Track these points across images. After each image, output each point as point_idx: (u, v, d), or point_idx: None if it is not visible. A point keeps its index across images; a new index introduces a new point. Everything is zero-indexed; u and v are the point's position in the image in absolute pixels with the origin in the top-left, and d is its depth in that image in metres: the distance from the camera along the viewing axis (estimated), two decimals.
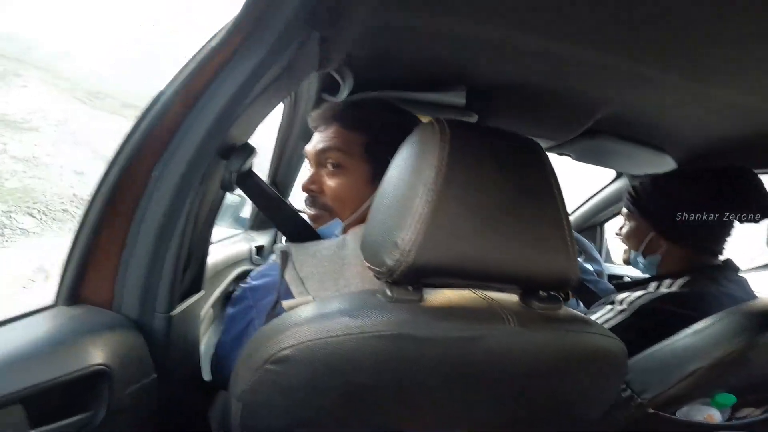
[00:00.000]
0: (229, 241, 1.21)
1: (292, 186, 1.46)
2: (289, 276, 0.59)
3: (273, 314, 0.57)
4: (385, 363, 0.44)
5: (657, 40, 0.61)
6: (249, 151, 0.57)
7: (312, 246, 0.63)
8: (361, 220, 0.70)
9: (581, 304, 1.21)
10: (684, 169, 1.10)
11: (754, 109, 0.78)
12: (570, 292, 1.33)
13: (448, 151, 0.44)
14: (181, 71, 0.51)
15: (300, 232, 0.72)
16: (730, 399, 0.84)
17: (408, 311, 0.45)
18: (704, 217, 0.92)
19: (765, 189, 0.91)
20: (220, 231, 1.30)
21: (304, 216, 0.76)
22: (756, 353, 0.74)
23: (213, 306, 1.05)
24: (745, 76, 0.66)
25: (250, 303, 0.61)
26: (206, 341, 0.98)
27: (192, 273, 0.58)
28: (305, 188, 0.72)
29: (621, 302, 0.94)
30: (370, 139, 0.69)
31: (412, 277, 0.45)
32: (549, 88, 0.86)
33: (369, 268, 0.47)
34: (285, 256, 0.61)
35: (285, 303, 0.53)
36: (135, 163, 0.49)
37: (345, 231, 0.71)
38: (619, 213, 1.66)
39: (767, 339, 0.72)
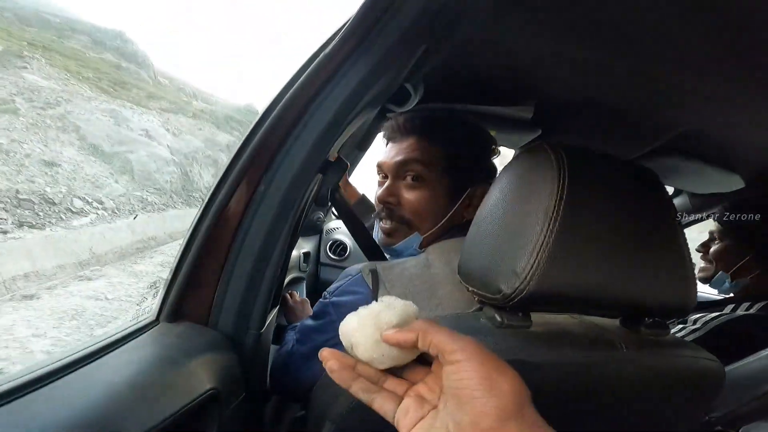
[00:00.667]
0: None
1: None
2: (382, 296, 0.58)
3: None
4: None
5: (744, 63, 0.58)
6: (344, 165, 0.56)
7: (398, 265, 0.62)
8: (439, 234, 0.70)
9: None
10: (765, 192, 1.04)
11: None
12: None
13: (567, 178, 0.43)
14: (290, 82, 0.50)
15: (373, 247, 0.72)
16: None
17: (518, 337, 0.45)
18: None
19: None
20: None
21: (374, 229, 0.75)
22: None
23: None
24: None
25: (334, 318, 0.60)
26: None
27: (276, 289, 0.58)
28: (382, 200, 0.71)
29: (695, 322, 0.92)
30: (451, 153, 0.70)
31: (529, 305, 0.45)
32: (621, 107, 0.83)
33: (474, 293, 0.46)
34: (375, 275, 0.60)
35: None
36: (242, 180, 0.49)
37: (421, 246, 0.70)
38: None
39: None
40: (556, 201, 0.42)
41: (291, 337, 0.67)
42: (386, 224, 0.72)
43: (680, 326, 0.94)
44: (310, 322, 0.64)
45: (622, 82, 0.73)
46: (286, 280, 1.17)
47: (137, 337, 0.44)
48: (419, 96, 0.88)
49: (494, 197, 0.48)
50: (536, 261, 0.41)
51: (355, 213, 0.71)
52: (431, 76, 0.82)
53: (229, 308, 0.50)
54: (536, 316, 0.49)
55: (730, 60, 0.59)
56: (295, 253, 1.26)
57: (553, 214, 0.42)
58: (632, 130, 0.94)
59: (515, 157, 0.49)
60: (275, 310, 0.61)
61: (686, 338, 0.91)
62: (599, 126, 0.95)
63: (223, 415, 0.45)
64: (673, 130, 0.89)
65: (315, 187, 0.55)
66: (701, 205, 1.36)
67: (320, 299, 0.64)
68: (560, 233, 0.42)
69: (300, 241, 1.41)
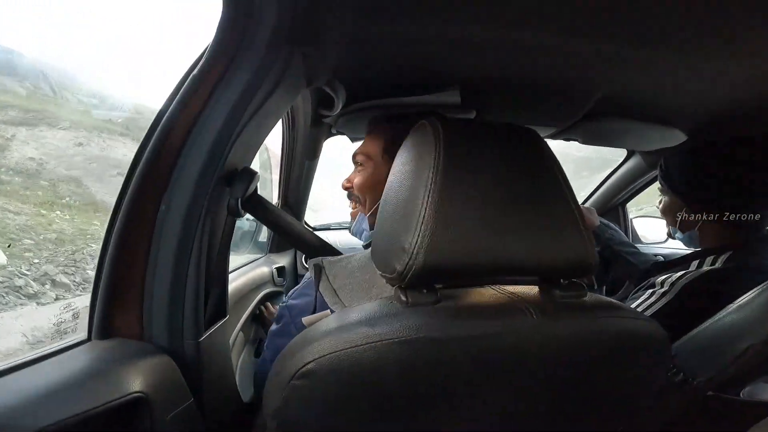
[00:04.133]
0: (250, 266, 1.24)
1: (305, 204, 1.49)
2: (323, 287, 0.61)
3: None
4: (410, 369, 0.44)
5: (645, 22, 0.60)
6: (250, 175, 0.59)
7: (344, 259, 0.65)
8: None
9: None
10: (708, 140, 1.07)
11: (748, 77, 0.77)
12: (594, 279, 1.31)
13: (443, 149, 0.44)
14: (168, 101, 0.53)
15: (316, 248, 0.75)
16: None
17: (425, 314, 0.45)
18: (730, 188, 0.90)
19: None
20: (241, 258, 1.33)
21: (324, 234, 0.79)
22: None
23: (243, 329, 1.08)
24: (734, 46, 0.65)
25: (288, 321, 0.63)
26: (241, 363, 1.01)
27: (214, 300, 0.60)
28: (343, 186, 0.87)
29: (662, 284, 0.91)
30: (388, 140, 0.80)
31: (425, 280, 0.45)
32: (543, 79, 0.86)
33: (381, 275, 0.48)
34: (318, 269, 0.63)
35: (304, 319, 0.54)
36: (143, 200, 0.51)
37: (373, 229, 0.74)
38: (639, 191, 1.64)
39: None
40: (433, 173, 0.43)
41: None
42: (350, 208, 0.85)
43: (650, 291, 0.92)
44: (273, 326, 0.67)
45: (529, 57, 0.76)
46: (261, 294, 1.19)
47: (64, 353, 0.47)
48: (342, 98, 0.91)
49: (391, 179, 0.50)
50: (420, 235, 0.42)
51: (283, 217, 0.74)
52: (351, 77, 0.86)
53: (158, 322, 0.52)
54: (453, 292, 0.50)
55: (617, 24, 0.62)
56: (266, 269, 1.29)
57: (431, 186, 0.43)
58: (558, 101, 0.97)
59: (407, 137, 0.50)
60: (222, 321, 0.63)
61: (658, 302, 0.89)
62: (528, 101, 0.98)
63: (159, 420, 0.47)
64: (594, 95, 0.92)
65: (227, 200, 0.58)
66: (656, 161, 1.39)
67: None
68: (439, 204, 0.43)
69: (274, 258, 1.44)
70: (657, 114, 1.06)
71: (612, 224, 1.37)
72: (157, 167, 0.51)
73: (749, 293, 0.74)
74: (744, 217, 0.91)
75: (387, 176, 0.74)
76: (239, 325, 1.03)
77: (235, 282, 1.06)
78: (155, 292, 0.52)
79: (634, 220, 1.72)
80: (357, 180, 0.83)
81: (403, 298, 0.46)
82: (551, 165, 0.48)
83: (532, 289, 0.52)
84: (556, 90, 0.92)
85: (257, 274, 1.19)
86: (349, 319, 0.46)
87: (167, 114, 0.51)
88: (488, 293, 0.51)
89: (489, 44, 0.72)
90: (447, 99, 0.92)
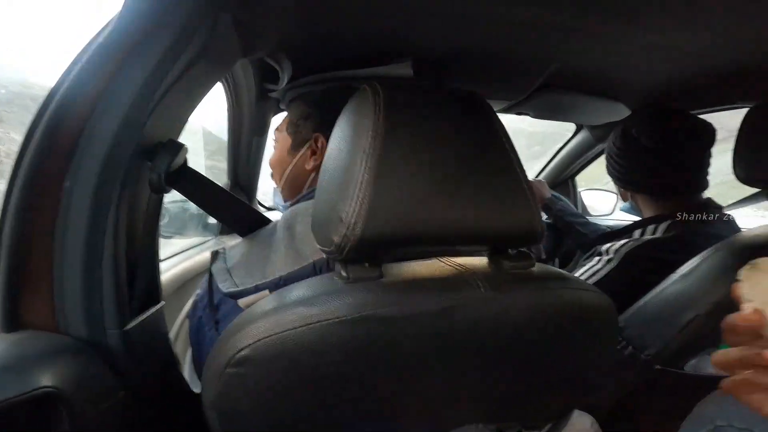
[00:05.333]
0: (196, 249, 1.18)
1: (257, 184, 1.43)
2: (215, 269, 0.58)
3: (213, 314, 0.58)
4: (355, 350, 0.42)
5: None
6: (176, 148, 0.53)
7: (251, 236, 0.63)
8: (297, 194, 0.78)
9: None
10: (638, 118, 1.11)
11: (689, 51, 0.78)
12: (543, 250, 1.36)
13: (383, 113, 0.41)
14: (72, 65, 0.47)
15: (251, 225, 0.70)
16: None
17: (368, 291, 0.43)
18: (630, 163, 0.95)
19: (694, 123, 0.93)
20: (187, 241, 1.26)
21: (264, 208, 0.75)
22: None
23: (189, 316, 1.03)
24: (675, 19, 0.65)
25: (200, 313, 0.60)
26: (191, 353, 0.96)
27: (143, 284, 0.55)
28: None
29: (608, 251, 0.94)
30: (296, 115, 0.80)
31: (365, 253, 0.43)
32: (494, 51, 0.85)
33: (320, 249, 0.45)
34: (214, 255, 0.61)
35: (241, 301, 0.51)
36: (41, 177, 0.45)
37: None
38: (587, 164, 1.70)
39: None
40: (371, 138, 0.41)
41: None
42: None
43: (597, 258, 0.96)
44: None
45: (479, 28, 0.74)
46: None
47: None
48: (287, 71, 0.86)
49: (330, 146, 0.47)
50: (358, 204, 0.40)
51: (217, 192, 0.69)
52: (297, 49, 0.81)
53: (73, 312, 0.48)
54: (398, 266, 0.47)
55: None
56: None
57: (369, 151, 0.40)
58: (512, 73, 0.97)
59: (347, 103, 0.47)
60: (155, 308, 0.58)
61: (603, 269, 0.92)
62: (480, 73, 0.97)
63: (81, 416, 0.43)
64: (546, 67, 0.92)
65: (148, 175, 0.53)
66: (602, 135, 1.44)
67: None
68: (379, 171, 0.40)
69: (225, 239, 1.37)
70: (604, 88, 1.09)
71: (562, 196, 1.41)
72: (57, 140, 0.45)
73: (690, 262, 0.77)
74: (669, 187, 0.96)
75: (290, 150, 0.78)
76: (184, 313, 0.98)
77: (179, 266, 1.00)
78: (66, 279, 0.47)
79: (582, 193, 1.78)
80: (271, 159, 0.85)
81: (344, 274, 0.43)
82: (498, 131, 0.46)
83: (481, 261, 0.51)
84: (510, 62, 0.91)
85: (204, 257, 1.13)
86: (287, 299, 0.43)
87: (67, 83, 0.45)
88: (435, 266, 0.49)
89: (442, 14, 0.69)
90: (400, 71, 0.89)
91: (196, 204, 0.66)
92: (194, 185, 0.62)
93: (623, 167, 0.99)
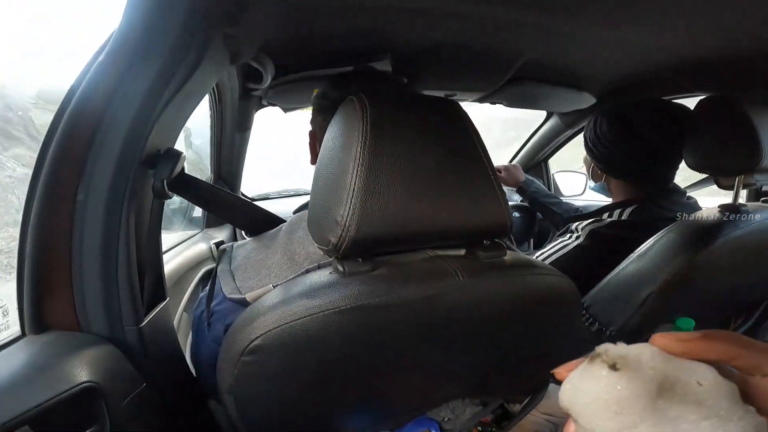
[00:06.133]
0: (186, 244, 1.20)
1: (240, 177, 1.45)
2: (221, 270, 0.62)
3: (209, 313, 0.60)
4: (352, 336, 0.48)
5: None
6: (175, 156, 0.57)
7: (259, 237, 0.66)
8: None
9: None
10: (610, 106, 1.17)
11: (650, 45, 0.84)
12: (512, 237, 1.44)
13: (369, 123, 0.46)
14: (78, 81, 0.49)
15: (255, 222, 0.74)
16: (689, 323, 0.89)
17: (362, 283, 0.48)
18: (624, 152, 1.00)
19: (678, 123, 0.96)
20: (175, 236, 1.28)
21: (265, 203, 0.77)
22: (698, 273, 0.79)
23: (186, 310, 1.06)
24: (638, 16, 0.71)
25: (203, 308, 0.64)
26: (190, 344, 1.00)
27: (150, 284, 0.59)
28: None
29: (577, 229, 1.01)
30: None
31: (359, 250, 0.48)
32: (467, 46, 0.89)
33: (318, 248, 0.50)
34: (221, 252, 0.64)
35: (248, 296, 0.56)
36: (57, 190, 0.49)
37: None
38: (558, 148, 1.78)
39: (704, 257, 0.78)
40: (360, 146, 0.45)
41: None
42: None
43: (568, 235, 1.03)
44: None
45: (453, 24, 0.78)
46: (201, 272, 1.17)
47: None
48: (270, 71, 0.89)
49: (322, 154, 0.51)
50: (351, 207, 0.45)
51: (218, 194, 0.72)
52: (278, 50, 0.83)
53: (94, 313, 0.52)
54: (389, 260, 0.53)
55: None
56: (204, 245, 1.25)
57: (359, 159, 0.45)
58: (485, 67, 1.02)
59: (336, 113, 0.51)
60: (162, 304, 0.63)
61: (571, 244, 0.99)
62: (455, 67, 1.01)
63: (115, 407, 0.48)
64: (517, 61, 0.97)
65: (151, 182, 0.56)
66: (571, 121, 1.52)
67: None
68: (368, 178, 0.45)
69: (211, 232, 1.40)
70: (571, 79, 1.15)
71: (535, 180, 1.48)
72: (68, 156, 0.48)
73: (648, 241, 0.84)
74: (647, 174, 1.01)
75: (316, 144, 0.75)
76: (181, 306, 1.01)
77: (171, 262, 1.02)
78: (86, 283, 0.50)
79: (555, 175, 1.87)
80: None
81: (341, 269, 0.49)
82: (470, 134, 0.52)
83: (459, 251, 0.57)
84: (484, 56, 0.96)
85: (194, 251, 1.16)
86: (291, 293, 0.49)
87: (73, 103, 0.48)
88: (419, 258, 0.55)
89: (419, 11, 0.73)
90: (378, 68, 0.93)
91: (199, 206, 0.70)
92: (194, 189, 0.65)
93: (611, 153, 1.02)
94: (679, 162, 1.01)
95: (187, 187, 0.62)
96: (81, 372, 0.45)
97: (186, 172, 0.65)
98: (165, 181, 0.55)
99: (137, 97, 0.49)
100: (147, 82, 0.49)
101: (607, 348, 0.23)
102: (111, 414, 0.48)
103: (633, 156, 0.99)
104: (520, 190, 1.45)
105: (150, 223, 0.59)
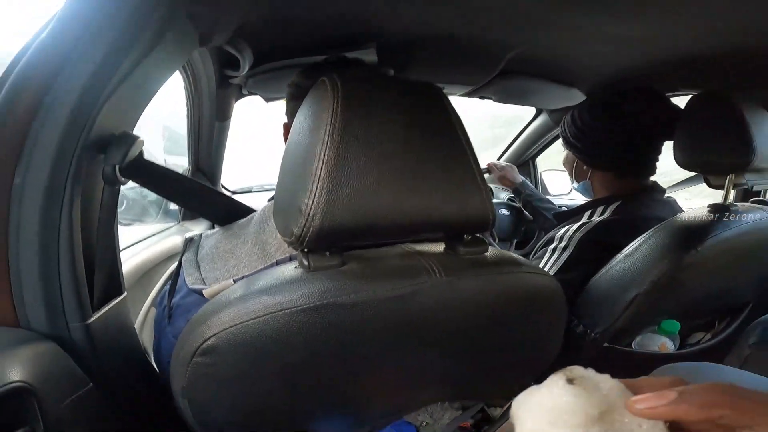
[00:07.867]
0: (158, 237, 1.15)
1: (220, 169, 1.40)
2: (185, 259, 0.58)
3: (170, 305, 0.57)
4: (317, 337, 0.43)
5: None
6: (130, 140, 0.52)
7: (228, 226, 0.62)
8: None
9: None
10: (586, 101, 1.15)
11: (642, 40, 0.82)
12: (494, 234, 1.42)
13: (340, 106, 0.42)
14: (16, 59, 0.45)
15: (229, 215, 0.69)
16: (675, 326, 0.90)
17: (329, 279, 0.44)
18: (613, 140, 0.96)
19: (667, 107, 0.95)
20: (148, 228, 1.23)
21: (247, 197, 0.73)
22: (686, 275, 0.76)
23: (155, 305, 1.01)
24: (630, 11, 0.68)
25: (165, 303, 0.60)
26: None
27: (103, 277, 0.55)
28: None
29: (561, 239, 0.97)
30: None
31: (325, 242, 0.44)
32: (456, 36, 0.86)
33: (283, 239, 0.46)
34: (188, 241, 0.61)
35: (206, 291, 0.51)
36: None
37: None
38: (547, 146, 1.76)
39: (692, 258, 0.75)
40: (329, 130, 0.41)
41: None
42: None
43: (552, 246, 0.98)
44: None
45: (442, 13, 0.75)
46: (173, 267, 1.12)
47: None
48: (248, 58, 0.84)
49: (290, 138, 0.47)
50: (316, 195, 0.40)
51: (181, 182, 0.67)
52: (257, 35, 0.79)
53: (34, 308, 0.47)
54: (360, 254, 0.49)
55: None
56: (179, 239, 1.20)
57: (327, 142, 0.41)
58: (474, 59, 0.99)
59: (307, 95, 0.47)
60: (118, 300, 0.58)
61: (560, 258, 0.94)
62: (443, 58, 0.98)
63: (50, 408, 0.44)
64: (506, 54, 0.94)
65: (101, 168, 0.52)
66: (560, 119, 1.49)
67: None
68: (336, 163, 0.41)
69: (188, 225, 1.35)
70: (560, 74, 1.13)
71: (528, 182, 1.47)
72: (4, 137, 0.44)
73: (634, 243, 0.81)
74: (630, 167, 0.98)
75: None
76: (148, 302, 0.96)
77: (139, 255, 0.98)
78: (24, 275, 0.46)
79: (542, 173, 1.85)
80: None
81: (305, 263, 0.45)
82: (453, 121, 0.48)
83: (438, 246, 0.52)
84: (472, 48, 0.93)
85: (168, 245, 1.11)
86: (251, 288, 0.44)
87: (12, 78, 0.44)
88: (394, 252, 0.51)
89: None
90: (364, 57, 0.89)
91: (157, 193, 0.65)
92: (152, 176, 0.60)
93: (599, 142, 0.98)
94: (662, 146, 0.98)
95: (145, 173, 0.57)
96: (11, 371, 0.41)
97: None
98: (117, 167, 0.51)
99: (83, 75, 0.44)
100: (96, 59, 0.45)
101: (574, 368, 0.25)
102: (46, 415, 0.43)
103: (623, 140, 0.96)
104: (516, 192, 1.44)
105: (102, 212, 0.54)
